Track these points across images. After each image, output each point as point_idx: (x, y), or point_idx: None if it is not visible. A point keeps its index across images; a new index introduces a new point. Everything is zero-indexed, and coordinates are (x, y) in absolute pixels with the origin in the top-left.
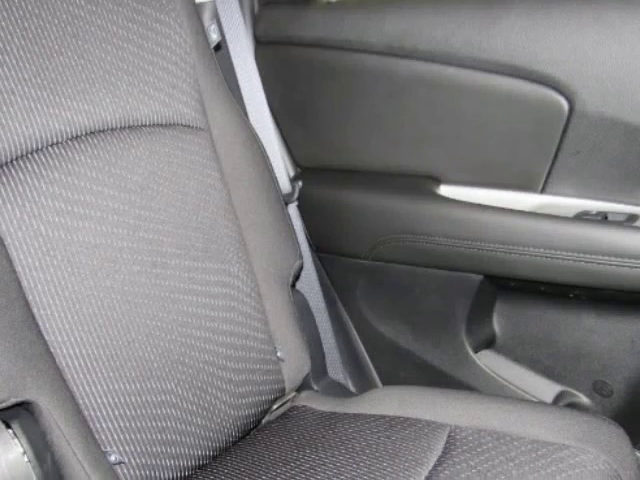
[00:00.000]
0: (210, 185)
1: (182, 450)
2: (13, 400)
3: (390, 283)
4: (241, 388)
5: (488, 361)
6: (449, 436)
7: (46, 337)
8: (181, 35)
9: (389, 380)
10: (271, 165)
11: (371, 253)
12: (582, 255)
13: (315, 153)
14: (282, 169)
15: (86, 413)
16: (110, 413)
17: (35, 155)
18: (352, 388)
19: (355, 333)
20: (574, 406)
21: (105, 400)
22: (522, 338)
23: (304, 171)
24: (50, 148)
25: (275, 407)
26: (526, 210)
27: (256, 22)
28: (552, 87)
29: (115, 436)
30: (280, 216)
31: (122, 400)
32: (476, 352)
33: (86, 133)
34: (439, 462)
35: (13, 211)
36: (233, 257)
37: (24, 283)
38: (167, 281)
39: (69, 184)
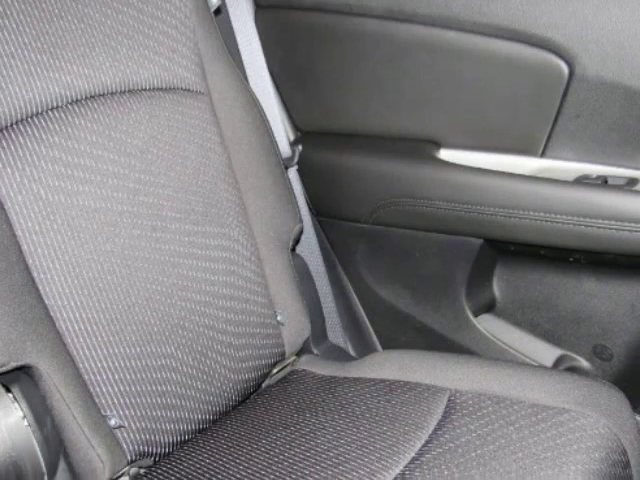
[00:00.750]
0: (210, 149)
1: (182, 414)
2: (13, 364)
3: (390, 247)
4: (241, 352)
5: (488, 325)
6: (449, 400)
7: (46, 301)
8: None
9: (389, 344)
10: (271, 129)
11: (371, 217)
12: (582, 219)
13: (315, 117)
14: (282, 133)
15: (86, 377)
16: (110, 377)
17: (35, 119)
18: (352, 352)
19: (355, 297)
20: (574, 370)
21: (105, 364)
22: (522, 302)
23: (304, 135)
24: (50, 112)
25: (275, 371)
26: (526, 174)
27: None
28: (552, 51)
29: (115, 400)
30: (280, 180)
31: (122, 364)
32: (476, 316)
33: (86, 97)
34: (439, 426)
35: (13, 175)
36: (233, 221)
37: (24, 247)
38: (167, 245)
39: (69, 148)
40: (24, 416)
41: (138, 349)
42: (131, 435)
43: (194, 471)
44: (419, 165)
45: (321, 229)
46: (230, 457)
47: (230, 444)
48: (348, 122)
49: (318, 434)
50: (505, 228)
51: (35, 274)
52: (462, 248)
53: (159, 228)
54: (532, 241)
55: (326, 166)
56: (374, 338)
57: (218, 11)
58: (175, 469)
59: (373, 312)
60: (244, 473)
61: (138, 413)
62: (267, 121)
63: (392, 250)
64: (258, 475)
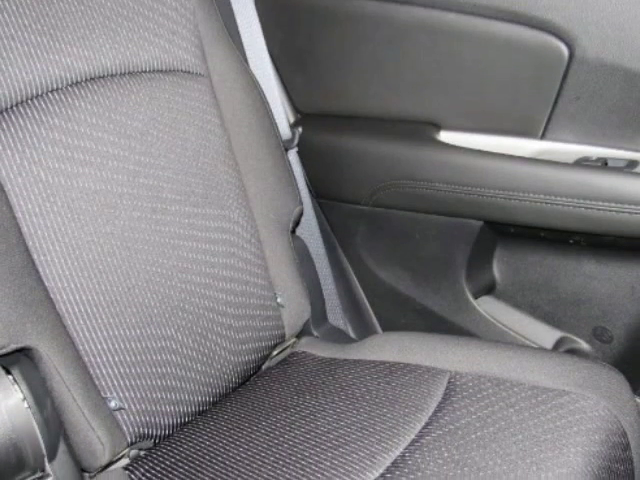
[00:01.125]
0: (210, 131)
1: (182, 396)
2: (13, 346)
3: (390, 229)
4: (241, 334)
5: (488, 307)
6: (449, 382)
7: (46, 283)
8: None
9: (389, 326)
10: (271, 111)
11: (371, 199)
12: (582, 201)
13: (315, 99)
14: (282, 115)
15: (86, 359)
16: (110, 359)
17: (35, 101)
18: (352, 334)
19: (355, 279)
20: (574, 352)
21: (105, 346)
22: (522, 284)
23: (304, 117)
24: (50, 94)
25: (275, 353)
26: (526, 156)
27: None
28: (552, 33)
29: (115, 382)
30: (280, 162)
31: (122, 346)
32: (476, 298)
33: (86, 79)
34: (439, 408)
35: (13, 157)
36: (233, 203)
37: (24, 229)
38: (167, 227)
39: (69, 130)
40: (24, 398)
41: (138, 331)
42: (131, 417)
43: (194, 453)
44: (419, 147)
45: (321, 211)
46: (230, 439)
47: (230, 426)
48: (348, 104)
49: (318, 416)
50: (505, 210)
51: (35, 256)
52: (462, 230)
53: (159, 210)
54: (532, 223)
55: (326, 148)
56: (374, 320)
57: None
58: (175, 451)
59: (373, 294)
60: (244, 455)
61: (138, 395)
62: (267, 103)
63: (392, 232)
64: (258, 457)
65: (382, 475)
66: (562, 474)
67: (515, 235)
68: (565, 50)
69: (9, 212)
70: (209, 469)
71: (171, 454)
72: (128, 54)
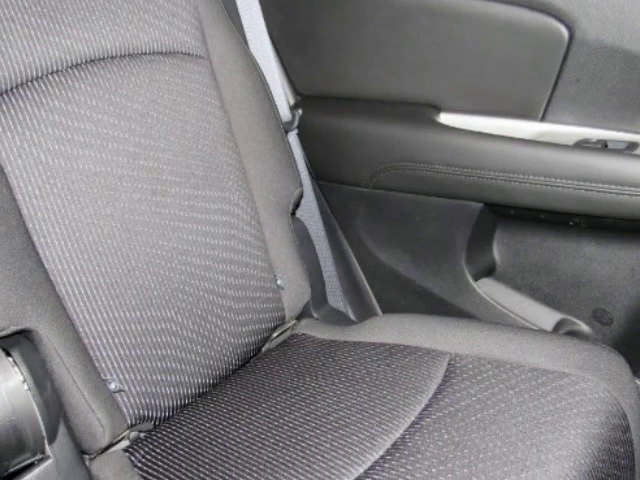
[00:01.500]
0: (210, 113)
1: (182, 378)
2: (13, 328)
3: (390, 211)
4: (241, 316)
5: (488, 289)
6: (449, 364)
7: (46, 265)
8: None
9: (389, 308)
10: (271, 93)
11: (371, 181)
12: (582, 183)
13: (315, 81)
14: (282, 97)
15: (86, 341)
16: (110, 341)
17: (35, 83)
18: (352, 316)
19: (355, 261)
20: (574, 334)
21: (105, 328)
22: (522, 266)
23: (304, 99)
24: (50, 76)
25: (275, 335)
26: (526, 138)
27: None
28: (552, 15)
29: (115, 364)
30: (280, 144)
31: (122, 328)
32: (476, 280)
33: (86, 61)
34: (439, 390)
35: (13, 139)
36: (233, 185)
37: (24, 211)
38: (167, 209)
39: (69, 112)
40: (24, 380)
41: (138, 313)
42: (131, 399)
43: (194, 435)
44: (419, 129)
45: (321, 193)
46: (230, 421)
47: (230, 408)
48: (348, 86)
49: (318, 398)
50: (505, 192)
51: (35, 238)
52: (462, 212)
53: (159, 192)
54: (532, 205)
55: (326, 130)
56: (374, 302)
57: None
58: (175, 433)
59: (373, 276)
60: (244, 437)
61: (138, 377)
62: (267, 85)
63: (392, 214)
64: (258, 439)
65: (382, 457)
66: (562, 456)
67: (515, 217)
68: (565, 32)
69: (9, 194)
70: (209, 451)
71: (171, 436)
72: (128, 36)
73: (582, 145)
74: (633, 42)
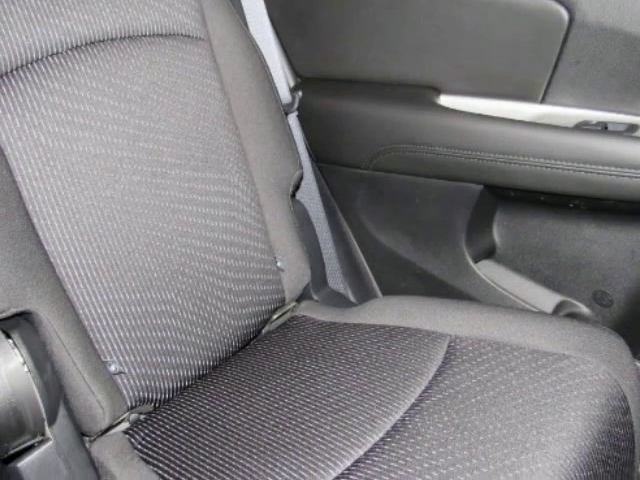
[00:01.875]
0: (210, 95)
1: (182, 360)
2: (13, 310)
3: (390, 193)
4: (241, 298)
5: (488, 271)
6: (449, 346)
7: (46, 247)
8: None
9: (389, 290)
10: (271, 75)
11: (371, 163)
12: (582, 165)
13: (315, 63)
14: (282, 79)
15: (86, 323)
16: (110, 323)
17: (35, 65)
18: (352, 298)
19: (355, 243)
20: (574, 316)
21: (105, 310)
22: (522, 248)
23: (304, 81)
24: (50, 58)
25: (275, 317)
26: (526, 120)
27: None
28: None
29: (115, 346)
30: (280, 126)
31: (122, 310)
32: (476, 262)
33: (86, 43)
34: (439, 372)
35: (13, 121)
36: (233, 167)
37: (24, 193)
38: (167, 191)
39: (69, 94)
40: (24, 362)
41: (138, 295)
42: (131, 381)
43: (194, 417)
44: (419, 111)
45: (321, 175)
46: (230, 403)
47: (230, 390)
48: (348, 68)
49: (318, 380)
50: (505, 174)
51: (35, 220)
52: (462, 194)
53: (159, 174)
54: (532, 187)
55: (326, 112)
56: (374, 284)
57: None
58: (175, 415)
59: (373, 258)
60: (244, 419)
61: (138, 359)
62: (267, 67)
63: (392, 196)
64: (258, 421)
65: (382, 439)
66: (562, 438)
67: (515, 199)
68: (565, 14)
69: (9, 176)
70: (209, 433)
71: (171, 418)
72: (128, 18)
73: (582, 127)
74: (633, 24)
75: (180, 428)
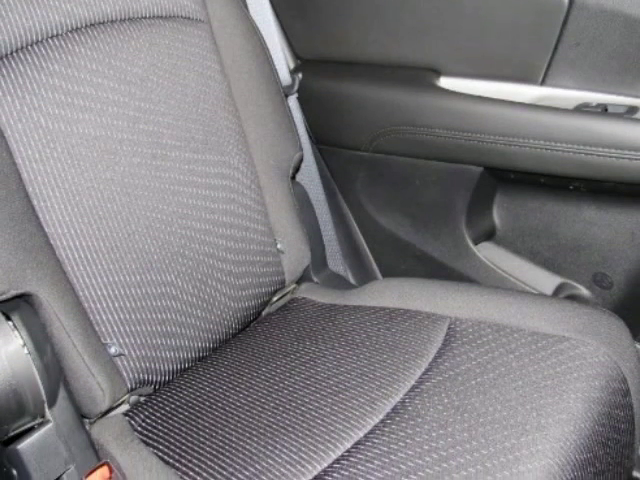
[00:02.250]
0: (210, 77)
1: (182, 342)
2: (13, 292)
3: (390, 175)
4: (241, 280)
5: (488, 253)
6: (449, 328)
7: (46, 229)
8: None
9: (389, 272)
10: (271, 57)
11: (371, 145)
12: (582, 147)
13: (315, 45)
14: (282, 61)
15: (86, 305)
16: (110, 305)
17: (35, 47)
18: (352, 280)
19: (355, 225)
20: (574, 298)
21: (105, 292)
22: (522, 230)
23: (304, 63)
24: (50, 40)
25: (275, 299)
26: (526, 102)
27: None
28: None
29: (115, 328)
30: (280, 108)
31: (122, 292)
32: (476, 244)
33: (86, 25)
34: (439, 354)
35: (13, 103)
36: (233, 149)
37: (24, 175)
38: (167, 173)
39: (69, 76)
40: (24, 344)
41: (138, 277)
42: (131, 363)
43: (194, 399)
44: (419, 93)
45: (321, 157)
46: (230, 385)
47: (230, 372)
48: (348, 50)
49: (318, 362)
50: (505, 156)
51: (35, 202)
52: (462, 176)
53: (159, 156)
54: (532, 169)
55: (326, 94)
56: (374, 266)
57: None
58: (175, 397)
59: (373, 240)
60: (244, 401)
61: (138, 341)
62: (267, 49)
63: (392, 178)
64: (258, 403)
65: (382, 421)
66: (562, 420)
67: (515, 181)
68: None
69: (9, 158)
70: (209, 415)
71: (171, 400)
72: (128, 0)
73: (582, 109)
74: (633, 6)
75: (180, 410)
